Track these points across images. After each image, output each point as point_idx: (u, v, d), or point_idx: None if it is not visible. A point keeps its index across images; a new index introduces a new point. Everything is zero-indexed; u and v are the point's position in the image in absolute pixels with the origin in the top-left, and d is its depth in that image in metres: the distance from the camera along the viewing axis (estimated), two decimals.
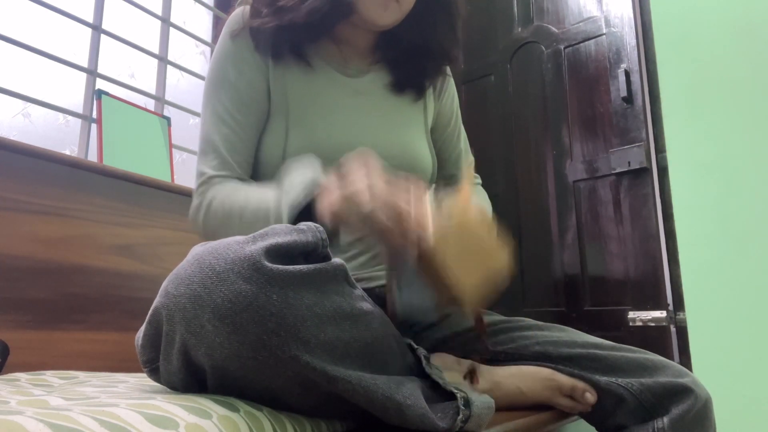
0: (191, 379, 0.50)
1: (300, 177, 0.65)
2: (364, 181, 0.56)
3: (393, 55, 0.93)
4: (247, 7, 0.86)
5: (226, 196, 0.76)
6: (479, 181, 1.08)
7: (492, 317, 0.85)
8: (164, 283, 0.49)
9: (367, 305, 0.52)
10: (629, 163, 1.76)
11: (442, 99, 1.01)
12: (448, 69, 1.01)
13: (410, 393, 0.51)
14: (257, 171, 0.87)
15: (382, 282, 0.83)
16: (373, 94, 0.91)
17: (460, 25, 0.93)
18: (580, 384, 0.73)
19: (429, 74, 0.95)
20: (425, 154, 0.92)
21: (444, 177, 1.01)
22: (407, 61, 0.92)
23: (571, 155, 1.96)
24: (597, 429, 0.77)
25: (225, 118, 0.82)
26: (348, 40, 0.90)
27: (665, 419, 0.70)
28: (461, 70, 1.03)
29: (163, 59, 1.74)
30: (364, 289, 0.56)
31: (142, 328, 0.53)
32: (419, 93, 0.95)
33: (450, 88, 1.03)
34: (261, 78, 0.84)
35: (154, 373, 0.55)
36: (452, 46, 0.93)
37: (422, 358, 0.60)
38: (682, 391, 0.70)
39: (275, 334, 0.44)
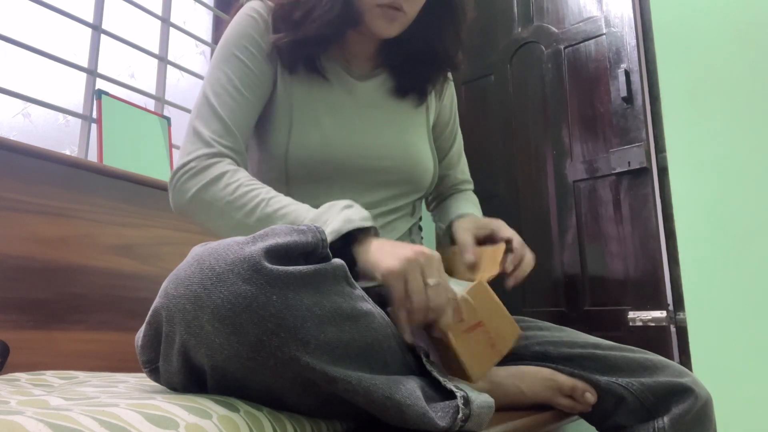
0: (191, 380, 0.50)
1: (350, 213, 0.65)
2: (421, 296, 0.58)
3: (396, 60, 0.93)
4: (270, 3, 0.86)
5: (240, 182, 0.73)
6: (471, 186, 1.09)
7: None
8: (164, 284, 0.49)
9: (367, 305, 0.52)
10: (629, 163, 1.76)
11: (443, 99, 1.01)
12: (449, 75, 1.01)
13: (410, 392, 0.51)
14: (260, 168, 0.87)
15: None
16: (376, 97, 0.91)
17: (465, 30, 0.93)
18: (580, 384, 0.73)
19: (432, 79, 0.95)
20: (427, 157, 0.92)
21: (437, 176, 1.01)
22: (411, 67, 0.92)
23: (571, 155, 1.96)
24: (597, 429, 0.77)
25: (229, 89, 0.80)
26: (353, 46, 0.91)
27: (665, 419, 0.70)
28: (461, 71, 1.03)
29: (163, 59, 1.74)
30: (364, 289, 0.56)
31: (142, 329, 0.53)
32: (421, 98, 0.95)
33: (450, 89, 1.03)
34: (270, 66, 0.84)
35: (154, 374, 0.55)
36: (456, 52, 0.93)
37: (422, 355, 0.60)
38: (682, 391, 0.70)
39: (275, 335, 0.44)
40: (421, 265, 0.58)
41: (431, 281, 0.58)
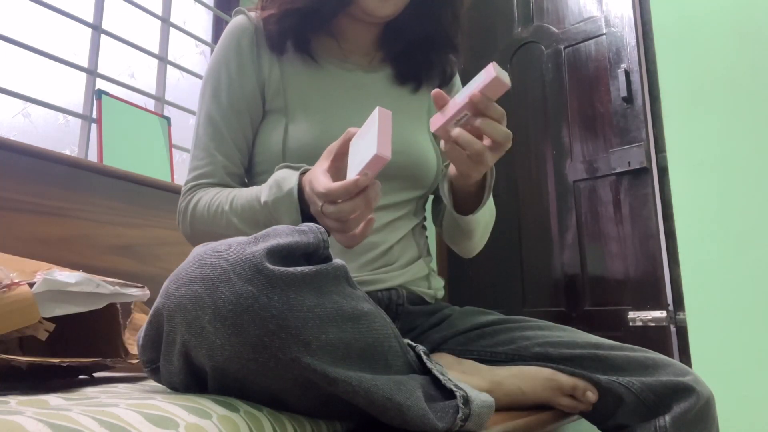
0: (192, 380, 0.50)
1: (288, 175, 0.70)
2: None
3: (396, 50, 0.92)
4: (250, 14, 0.87)
5: (211, 196, 0.80)
6: None
7: (492, 317, 0.85)
8: (165, 284, 0.48)
9: (368, 305, 0.52)
10: (629, 163, 1.77)
11: (450, 95, 1.01)
12: (454, 66, 0.99)
13: (410, 393, 0.51)
14: (257, 169, 0.87)
15: (385, 285, 0.83)
16: (374, 89, 0.90)
17: (463, 10, 0.92)
18: (581, 383, 0.73)
19: (434, 65, 0.94)
20: (429, 152, 0.90)
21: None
22: (411, 56, 0.92)
23: (571, 155, 1.96)
24: (599, 428, 0.77)
25: (217, 121, 0.85)
26: (348, 35, 0.90)
27: (667, 417, 0.69)
28: (461, 69, 1.02)
29: (163, 59, 1.74)
30: (366, 293, 0.56)
31: (143, 328, 0.53)
32: (423, 84, 0.94)
33: (456, 85, 1.02)
34: (256, 82, 0.86)
35: (155, 373, 0.55)
36: (456, 34, 0.93)
37: (422, 354, 0.60)
38: (683, 390, 0.70)
39: (276, 336, 0.44)
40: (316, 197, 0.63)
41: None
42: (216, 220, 0.78)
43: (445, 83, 0.99)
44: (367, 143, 0.59)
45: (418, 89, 0.95)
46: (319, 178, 0.62)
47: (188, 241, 0.85)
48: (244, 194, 0.75)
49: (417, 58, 0.93)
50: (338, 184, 0.59)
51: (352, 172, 0.60)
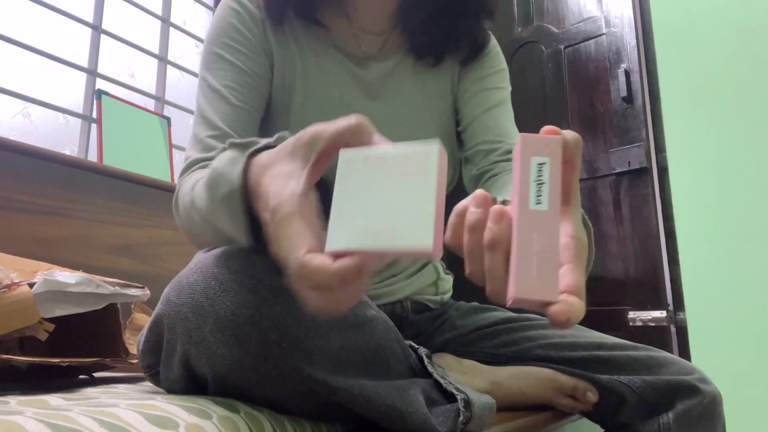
0: (192, 387, 0.49)
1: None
2: None
3: (417, 19, 0.80)
4: None
5: (191, 183, 0.60)
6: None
7: (493, 317, 0.84)
8: (166, 290, 0.48)
9: (371, 311, 0.52)
10: (629, 163, 1.76)
11: (484, 68, 0.86)
12: (486, 36, 0.85)
13: (412, 399, 0.50)
14: None
15: (389, 299, 0.80)
16: (388, 89, 0.82)
17: None
18: (581, 383, 0.73)
19: (461, 35, 0.81)
20: (446, 145, 0.82)
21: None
22: (434, 24, 0.80)
23: None
24: (602, 427, 0.76)
25: (222, 91, 0.72)
26: (360, 5, 0.80)
27: (670, 414, 0.69)
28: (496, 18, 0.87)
29: (163, 59, 1.74)
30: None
31: (144, 333, 0.53)
32: (441, 57, 0.82)
33: (493, 58, 0.88)
34: (264, 57, 0.76)
35: (155, 378, 0.54)
36: None
37: (424, 357, 0.59)
38: (687, 388, 0.69)
39: (278, 346, 0.43)
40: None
41: None
42: (190, 215, 0.58)
43: (474, 56, 0.84)
44: (401, 205, 0.34)
45: (439, 63, 0.83)
46: (300, 236, 0.35)
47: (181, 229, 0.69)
48: (199, 185, 0.53)
49: (441, 27, 0.80)
50: (332, 269, 0.33)
51: (342, 235, 0.35)
